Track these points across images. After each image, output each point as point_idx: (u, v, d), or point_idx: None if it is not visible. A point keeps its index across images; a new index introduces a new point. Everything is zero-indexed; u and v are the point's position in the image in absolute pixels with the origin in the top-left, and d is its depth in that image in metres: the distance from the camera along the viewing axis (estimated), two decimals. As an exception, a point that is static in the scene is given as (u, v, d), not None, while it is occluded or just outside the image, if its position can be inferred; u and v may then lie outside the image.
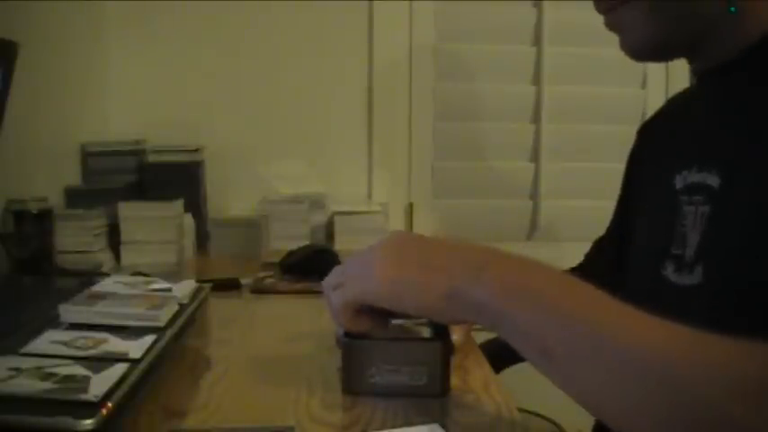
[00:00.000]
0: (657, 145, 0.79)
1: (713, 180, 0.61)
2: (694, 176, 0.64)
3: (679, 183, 0.66)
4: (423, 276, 0.55)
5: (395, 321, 0.67)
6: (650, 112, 0.88)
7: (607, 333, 0.46)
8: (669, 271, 0.65)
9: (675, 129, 0.76)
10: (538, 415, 1.22)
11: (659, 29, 0.62)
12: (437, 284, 0.54)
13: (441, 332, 0.67)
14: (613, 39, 0.69)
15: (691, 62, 0.68)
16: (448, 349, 0.65)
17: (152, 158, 1.47)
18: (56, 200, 1.29)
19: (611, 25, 0.66)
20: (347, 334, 0.64)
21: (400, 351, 0.64)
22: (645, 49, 0.65)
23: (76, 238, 1.19)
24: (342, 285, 0.60)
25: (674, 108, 0.81)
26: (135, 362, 0.59)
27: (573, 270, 0.90)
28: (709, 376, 0.42)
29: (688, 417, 0.42)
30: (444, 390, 0.64)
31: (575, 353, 0.47)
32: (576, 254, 0.94)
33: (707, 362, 0.42)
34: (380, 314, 0.61)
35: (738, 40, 0.61)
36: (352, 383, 0.64)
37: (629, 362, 0.44)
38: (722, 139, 0.63)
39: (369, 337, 0.64)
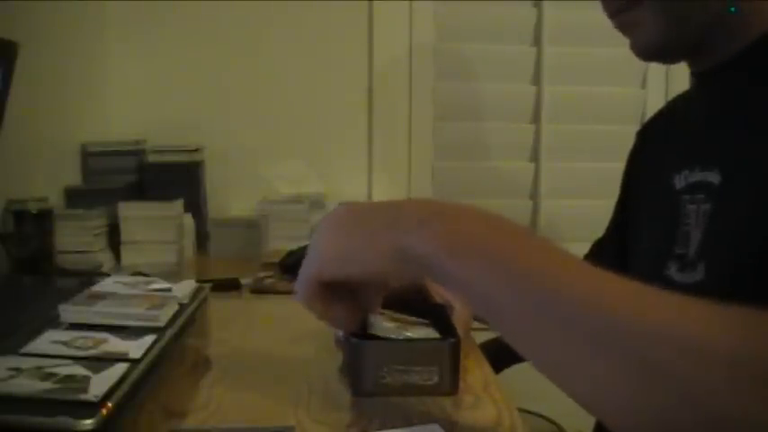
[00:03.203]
0: (657, 146, 0.79)
1: (714, 178, 0.61)
2: (696, 176, 0.64)
3: (679, 183, 0.67)
4: (364, 239, 0.53)
5: (395, 315, 0.67)
6: (650, 113, 0.88)
7: (556, 290, 0.43)
8: (672, 270, 0.65)
9: (675, 130, 0.76)
10: (538, 415, 1.22)
11: (669, 28, 0.62)
12: (380, 244, 0.51)
13: (449, 330, 0.67)
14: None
15: (691, 63, 0.69)
16: (459, 347, 0.65)
17: (152, 158, 1.47)
18: (56, 200, 1.29)
19: (622, 26, 0.66)
20: (355, 335, 0.64)
21: (412, 351, 0.64)
22: (655, 49, 0.65)
23: (76, 238, 1.19)
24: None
25: (674, 109, 0.81)
26: (135, 362, 0.59)
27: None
28: (704, 362, 0.38)
29: (658, 396, 0.39)
30: (455, 388, 0.64)
31: (522, 312, 0.45)
32: (575, 254, 0.94)
33: (699, 343, 0.39)
34: (356, 304, 0.59)
35: (739, 40, 0.62)
36: (363, 385, 0.64)
37: (578, 324, 0.42)
38: (722, 137, 0.63)
39: (377, 337, 0.64)
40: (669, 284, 0.64)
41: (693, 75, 0.69)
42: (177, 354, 0.72)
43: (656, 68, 1.62)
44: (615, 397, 0.41)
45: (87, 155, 1.45)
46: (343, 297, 0.58)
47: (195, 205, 1.43)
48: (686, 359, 0.38)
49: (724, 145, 0.62)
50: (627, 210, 0.84)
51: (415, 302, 0.71)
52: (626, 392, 0.40)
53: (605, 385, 0.41)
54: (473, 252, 0.47)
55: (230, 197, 1.58)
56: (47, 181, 1.30)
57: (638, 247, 0.77)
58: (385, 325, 0.66)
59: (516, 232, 0.49)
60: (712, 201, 0.61)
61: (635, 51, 0.66)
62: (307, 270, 0.57)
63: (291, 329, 0.86)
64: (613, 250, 0.85)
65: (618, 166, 0.87)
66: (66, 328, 0.67)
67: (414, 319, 0.70)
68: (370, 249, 0.53)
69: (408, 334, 0.66)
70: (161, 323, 0.69)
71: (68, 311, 0.70)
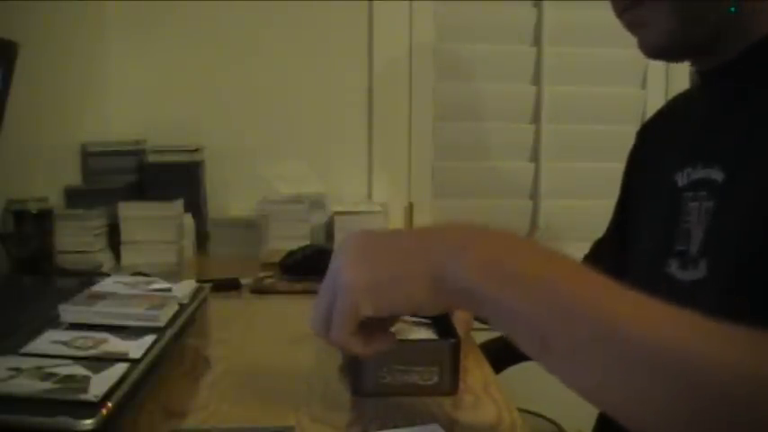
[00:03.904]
0: (658, 145, 0.79)
1: (717, 175, 0.61)
2: (699, 173, 0.64)
3: (681, 180, 0.67)
4: (400, 268, 0.49)
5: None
6: (650, 113, 0.88)
7: (609, 321, 0.43)
8: (673, 268, 0.65)
9: (676, 128, 0.76)
10: (538, 415, 1.22)
11: (679, 28, 0.62)
12: (418, 274, 0.49)
13: (449, 330, 0.67)
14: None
15: (696, 62, 0.69)
16: (459, 347, 0.65)
17: (152, 158, 1.47)
18: (56, 200, 1.29)
19: (631, 24, 0.66)
20: None
21: (412, 352, 0.64)
22: (662, 49, 0.65)
23: (76, 238, 1.19)
24: (330, 321, 0.52)
25: (675, 108, 0.81)
26: (135, 362, 0.59)
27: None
28: (737, 374, 0.39)
29: (712, 417, 0.39)
30: (455, 388, 0.64)
31: (575, 344, 0.43)
32: (575, 254, 0.94)
33: (734, 358, 0.40)
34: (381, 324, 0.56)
35: (745, 39, 0.62)
36: (363, 385, 0.64)
37: (636, 354, 0.41)
38: (726, 135, 0.63)
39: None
40: (670, 282, 0.64)
41: (697, 73, 0.69)
42: (177, 354, 0.72)
43: (656, 68, 1.62)
44: (677, 425, 0.41)
45: (87, 155, 1.45)
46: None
47: (195, 205, 1.43)
48: (744, 386, 0.39)
49: (727, 142, 0.62)
50: (627, 209, 0.84)
51: None
52: (688, 420, 0.40)
53: (667, 415, 0.41)
54: (519, 281, 0.46)
55: (230, 197, 1.58)
56: (47, 181, 1.30)
57: (638, 245, 0.77)
58: None
59: (556, 259, 0.48)
60: (715, 198, 0.61)
61: (642, 50, 0.66)
62: (335, 306, 0.51)
63: (291, 329, 0.86)
64: (613, 250, 0.85)
65: (618, 166, 0.87)
66: (67, 328, 0.67)
67: (414, 319, 0.70)
68: (405, 278, 0.49)
69: (408, 334, 0.66)
70: (161, 323, 0.69)
71: (68, 311, 0.70)
